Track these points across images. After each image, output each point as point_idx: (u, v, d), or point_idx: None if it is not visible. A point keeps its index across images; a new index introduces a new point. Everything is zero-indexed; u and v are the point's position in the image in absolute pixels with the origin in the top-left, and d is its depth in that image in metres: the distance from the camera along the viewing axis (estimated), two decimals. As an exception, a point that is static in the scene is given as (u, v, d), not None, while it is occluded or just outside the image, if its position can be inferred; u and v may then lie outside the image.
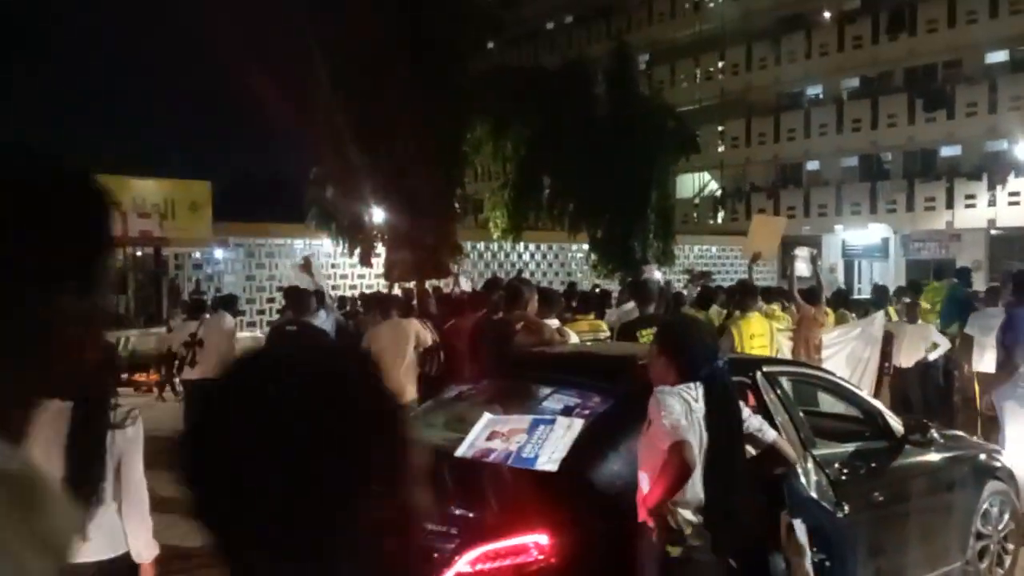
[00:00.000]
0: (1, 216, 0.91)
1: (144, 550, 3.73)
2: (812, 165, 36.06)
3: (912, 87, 32.78)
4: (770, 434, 4.22)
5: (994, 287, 11.36)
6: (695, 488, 3.79)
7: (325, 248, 21.36)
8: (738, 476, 3.93)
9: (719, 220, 37.00)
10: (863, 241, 33.40)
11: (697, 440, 3.79)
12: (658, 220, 23.50)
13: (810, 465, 4.66)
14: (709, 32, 38.05)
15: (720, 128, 37.63)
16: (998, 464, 6.28)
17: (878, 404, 6.06)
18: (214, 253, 20.70)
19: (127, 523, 3.64)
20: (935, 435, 5.66)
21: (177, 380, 12.54)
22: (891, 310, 11.85)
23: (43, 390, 1.00)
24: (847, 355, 9.94)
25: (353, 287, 20.98)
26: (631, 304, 9.94)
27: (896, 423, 5.58)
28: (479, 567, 3.61)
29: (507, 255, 25.51)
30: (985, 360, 9.45)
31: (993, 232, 29.96)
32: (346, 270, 21.90)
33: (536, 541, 3.68)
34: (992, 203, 29.43)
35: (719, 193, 38.47)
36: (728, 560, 3.95)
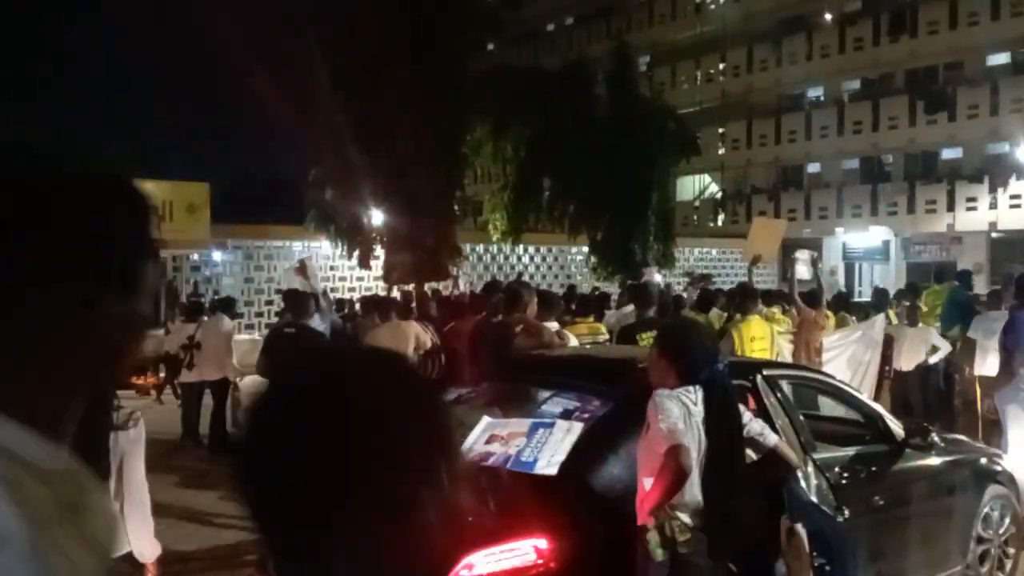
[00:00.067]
0: (44, 219, 0.94)
1: (147, 550, 3.75)
2: (813, 167, 36.05)
3: (913, 89, 32.78)
4: (771, 438, 4.21)
5: (996, 290, 11.33)
6: (693, 491, 3.78)
7: (324, 250, 21.28)
8: (738, 480, 3.92)
9: (719, 222, 36.99)
10: (864, 244, 33.39)
11: (695, 443, 3.78)
12: (658, 222, 23.49)
13: (810, 469, 4.64)
14: (710, 34, 38.06)
15: (721, 130, 37.63)
16: (999, 468, 6.26)
17: (878, 408, 6.03)
18: (212, 255, 20.66)
19: (129, 524, 3.65)
20: (936, 439, 5.65)
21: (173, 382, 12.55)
22: (891, 313, 11.83)
23: (84, 391, 1.03)
24: (848, 358, 9.92)
25: (352, 289, 20.93)
26: (630, 307, 9.92)
27: (896, 427, 5.56)
28: (478, 571, 3.59)
29: (506, 257, 25.48)
30: (987, 363, 9.43)
31: (994, 235, 29.96)
32: (345, 272, 21.86)
33: (535, 545, 3.67)
34: (993, 206, 29.43)
35: (719, 195, 38.46)
36: (728, 564, 3.94)
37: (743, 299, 9.00)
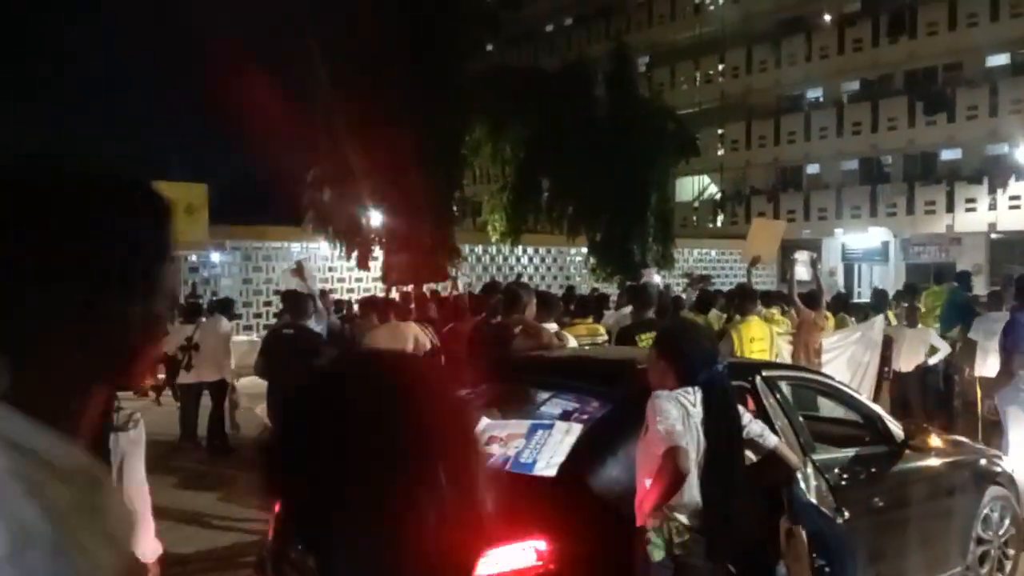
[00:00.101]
0: (43, 220, 0.97)
1: (148, 549, 3.75)
2: (812, 168, 36.05)
3: (912, 90, 32.78)
4: (772, 440, 4.20)
5: (997, 291, 11.31)
6: (692, 492, 3.78)
7: (322, 251, 21.26)
8: (737, 481, 3.91)
9: (719, 223, 37.00)
10: (863, 245, 33.39)
11: (694, 445, 3.77)
12: (657, 223, 23.48)
13: (810, 470, 4.63)
14: (709, 34, 38.07)
15: (720, 131, 37.64)
16: (999, 469, 6.25)
17: (878, 409, 6.02)
18: (210, 256, 20.63)
19: None
20: (935, 440, 5.63)
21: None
22: (890, 314, 11.82)
23: (101, 390, 1.06)
24: (847, 359, 9.91)
25: (351, 291, 20.91)
26: (629, 308, 9.90)
27: (896, 428, 5.56)
28: (477, 572, 3.57)
29: (505, 258, 25.46)
30: (989, 364, 9.41)
31: (993, 236, 29.97)
32: (343, 273, 21.84)
33: (534, 547, 3.65)
34: (993, 207, 29.43)
35: (719, 196, 38.45)
36: (727, 565, 3.93)
37: (742, 300, 8.99)
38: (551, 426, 4.39)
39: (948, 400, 11.46)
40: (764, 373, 5.01)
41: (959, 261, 27.64)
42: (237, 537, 7.19)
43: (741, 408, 4.19)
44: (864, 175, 34.76)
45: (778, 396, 4.87)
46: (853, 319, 11.54)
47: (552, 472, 4.06)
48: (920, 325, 11.23)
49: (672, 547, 3.71)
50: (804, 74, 35.49)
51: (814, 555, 4.25)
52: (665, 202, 24.28)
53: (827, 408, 6.48)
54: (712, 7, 39.25)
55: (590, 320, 9.77)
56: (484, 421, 4.51)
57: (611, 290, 19.12)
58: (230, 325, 11.81)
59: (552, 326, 7.08)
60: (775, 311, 10.88)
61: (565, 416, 4.57)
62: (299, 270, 10.77)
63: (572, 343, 7.07)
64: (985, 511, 5.89)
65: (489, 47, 25.61)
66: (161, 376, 12.40)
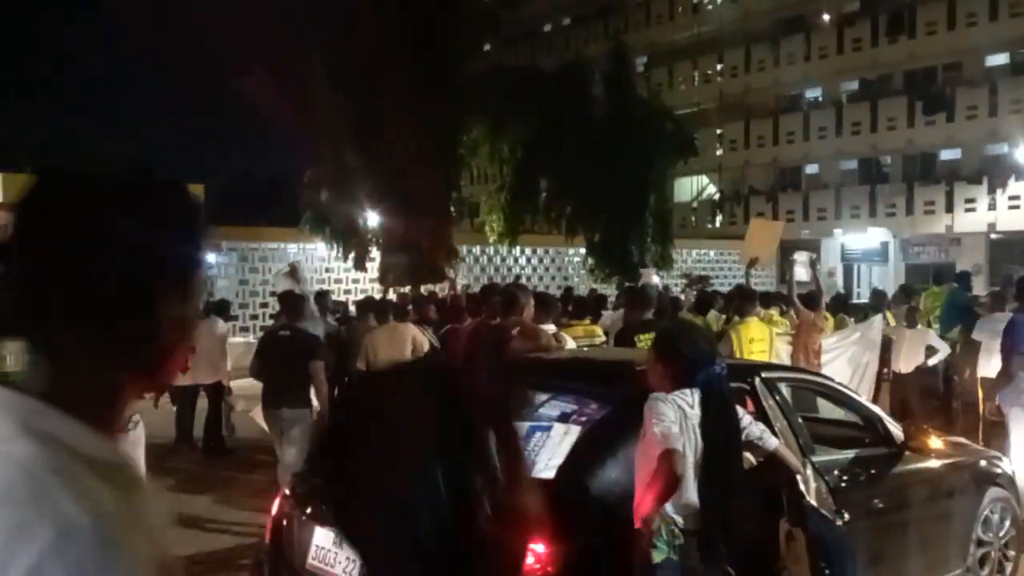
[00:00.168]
0: (102, 224, 1.00)
1: None
2: (811, 168, 36.05)
3: (912, 90, 32.79)
4: (771, 442, 4.18)
5: (998, 292, 11.27)
6: (688, 495, 3.76)
7: (319, 252, 21.22)
8: (735, 482, 3.89)
9: (717, 224, 37.01)
10: (862, 245, 33.37)
11: (691, 447, 3.75)
12: (656, 224, 23.46)
13: (809, 472, 4.60)
14: (707, 34, 38.08)
15: (718, 131, 37.64)
16: (999, 470, 6.23)
17: (877, 410, 6.00)
18: (207, 257, 20.57)
19: None
20: (935, 441, 5.61)
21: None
22: (889, 315, 11.78)
23: (135, 390, 1.09)
24: (846, 360, 9.88)
25: (348, 291, 20.87)
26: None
27: (895, 429, 5.54)
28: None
29: (503, 259, 25.43)
30: (992, 365, 9.37)
31: (993, 236, 29.97)
32: (341, 274, 21.80)
33: (532, 549, 3.62)
34: (992, 207, 29.44)
35: (717, 196, 38.45)
36: (726, 568, 3.90)
37: (741, 301, 8.98)
38: (549, 428, 4.36)
39: (948, 401, 11.44)
40: (763, 374, 4.99)
41: (959, 261, 27.65)
42: (234, 539, 7.16)
43: (741, 410, 4.17)
44: (863, 175, 34.76)
45: (777, 397, 4.85)
46: (852, 320, 11.51)
47: (550, 474, 4.04)
48: (919, 326, 11.20)
49: (671, 549, 3.69)
50: (803, 74, 35.49)
51: (822, 563, 4.22)
52: (663, 202, 24.26)
53: (826, 409, 6.45)
54: (710, 7, 39.24)
55: (588, 321, 9.73)
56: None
57: (609, 291, 19.09)
58: (226, 326, 11.77)
59: (550, 327, 7.05)
60: (774, 312, 10.87)
61: (563, 418, 4.54)
62: (293, 271, 10.75)
63: (570, 344, 7.04)
64: (985, 513, 5.87)
65: (487, 47, 25.59)
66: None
